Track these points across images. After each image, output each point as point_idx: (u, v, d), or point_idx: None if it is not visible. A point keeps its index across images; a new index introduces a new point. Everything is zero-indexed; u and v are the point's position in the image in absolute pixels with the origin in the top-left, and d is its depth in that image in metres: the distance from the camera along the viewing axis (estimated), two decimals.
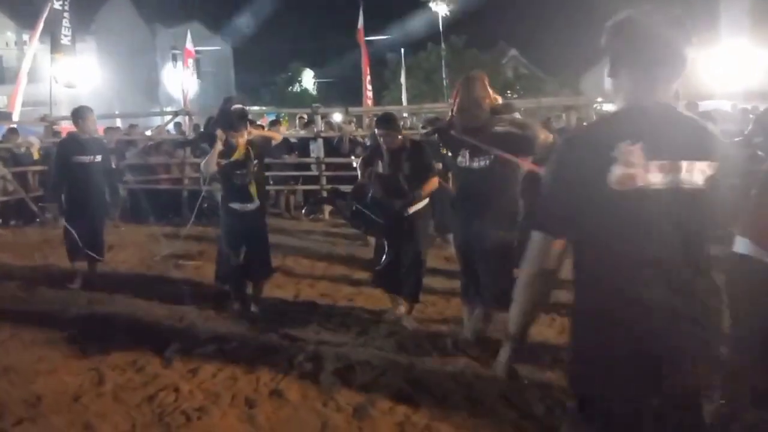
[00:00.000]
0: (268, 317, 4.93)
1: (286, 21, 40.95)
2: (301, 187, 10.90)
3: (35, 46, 13.61)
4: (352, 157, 9.82)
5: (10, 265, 6.86)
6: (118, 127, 12.69)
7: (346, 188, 5.91)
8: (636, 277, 1.55)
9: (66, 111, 10.18)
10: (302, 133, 11.38)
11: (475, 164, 3.79)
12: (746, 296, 2.91)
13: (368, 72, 15.84)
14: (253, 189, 4.97)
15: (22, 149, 10.54)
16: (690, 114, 1.68)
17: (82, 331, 4.55)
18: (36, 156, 10.62)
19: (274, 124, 11.60)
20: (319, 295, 5.64)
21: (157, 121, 16.12)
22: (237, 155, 4.88)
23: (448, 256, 6.75)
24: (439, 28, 28.92)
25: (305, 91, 37.51)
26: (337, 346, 4.16)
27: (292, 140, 10.77)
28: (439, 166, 6.83)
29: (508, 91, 28.26)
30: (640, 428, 1.57)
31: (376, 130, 4.66)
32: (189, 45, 16.18)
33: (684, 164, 1.56)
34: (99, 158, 6.04)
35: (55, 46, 12.56)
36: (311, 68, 38.95)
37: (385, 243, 4.63)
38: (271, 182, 10.20)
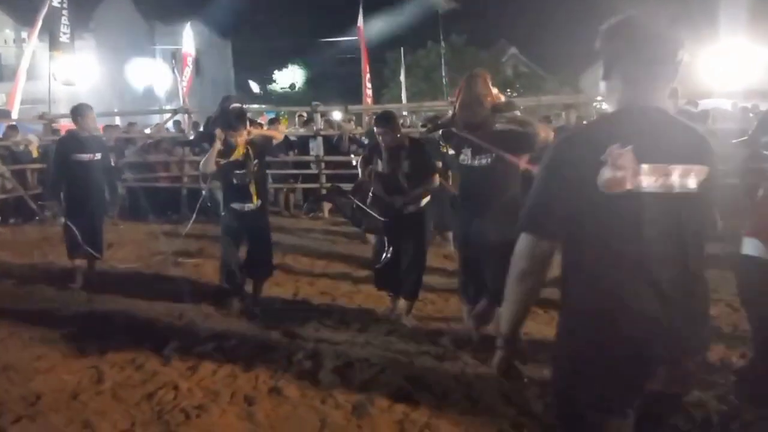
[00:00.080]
0: (267, 315, 4.93)
1: (286, 19, 40.84)
2: (300, 185, 10.89)
3: (34, 44, 13.57)
4: (352, 156, 9.82)
5: (9, 263, 6.86)
6: (117, 125, 12.66)
7: (347, 186, 5.90)
8: (623, 281, 1.56)
9: (65, 109, 10.17)
10: (302, 131, 11.37)
11: (477, 162, 3.81)
12: (762, 298, 2.92)
13: (368, 70, 15.82)
14: (253, 189, 4.97)
15: (21, 147, 10.53)
16: (682, 118, 1.68)
17: (81, 329, 4.55)
18: (35, 154, 10.62)
19: (273, 122, 11.59)
20: (318, 293, 5.65)
21: (156, 119, 16.09)
22: (236, 155, 4.87)
23: (447, 254, 6.77)
24: (438, 26, 28.90)
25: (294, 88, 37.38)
26: (336, 343, 4.16)
27: (292, 138, 10.77)
28: (439, 164, 6.85)
29: (508, 90, 28.22)
30: (622, 425, 1.59)
31: (374, 129, 4.66)
32: (188, 43, 16.14)
33: (675, 168, 1.56)
34: (98, 156, 6.03)
35: (54, 44, 12.53)
36: (310, 66, 38.90)
37: (385, 241, 4.63)
38: (271, 180, 10.19)
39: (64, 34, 12.66)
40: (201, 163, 5.06)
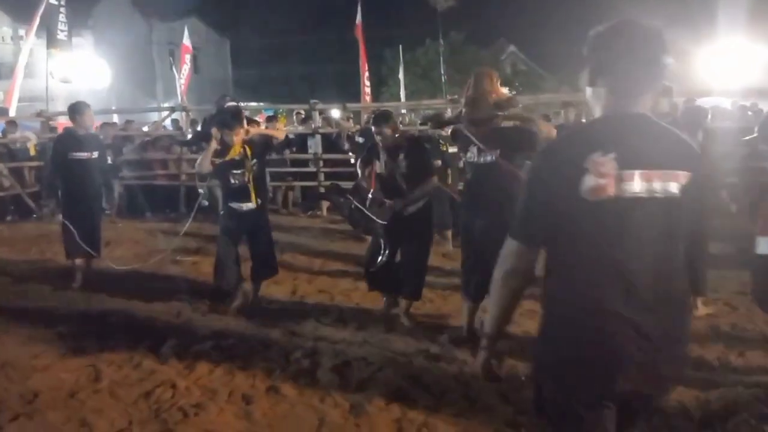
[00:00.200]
0: (265, 313, 4.92)
1: (284, 16, 40.81)
2: (298, 183, 10.88)
3: (31, 41, 13.55)
4: (350, 153, 9.81)
5: (7, 261, 6.85)
6: (115, 123, 12.62)
7: (346, 184, 5.89)
8: (604, 284, 1.59)
9: (62, 106, 10.14)
10: (300, 129, 11.35)
11: (482, 159, 3.89)
12: None
13: (366, 68, 15.80)
14: (252, 188, 4.95)
15: (18, 144, 10.51)
16: (666, 124, 1.71)
17: (78, 327, 4.54)
18: (32, 152, 10.59)
19: (271, 120, 11.57)
20: (316, 291, 5.64)
21: (155, 116, 16.06)
22: (232, 154, 4.86)
23: (445, 252, 6.76)
24: (437, 24, 28.87)
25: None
26: (334, 342, 4.16)
27: (290, 136, 10.75)
28: (439, 162, 6.86)
29: (507, 88, 28.15)
30: (600, 418, 1.63)
31: (372, 129, 4.65)
32: (186, 40, 16.10)
33: (658, 174, 1.58)
34: (96, 154, 6.01)
35: (52, 41, 12.49)
36: (308, 63, 38.84)
37: (382, 243, 4.59)
38: (269, 179, 10.18)
39: (62, 31, 12.62)
40: (197, 163, 5.05)
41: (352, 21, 15.93)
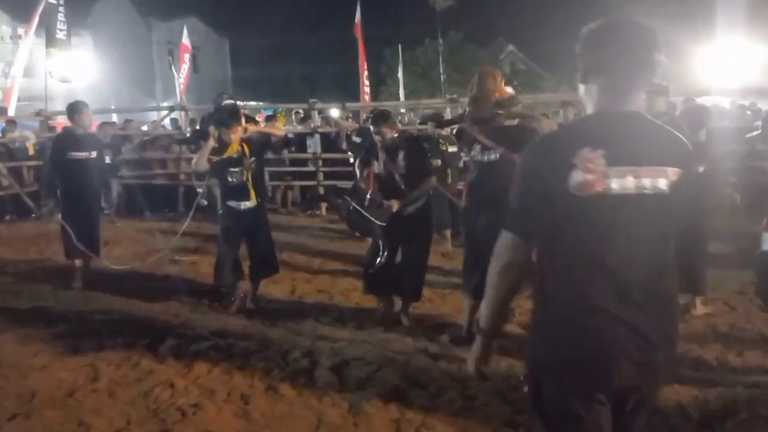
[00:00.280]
0: (264, 313, 4.92)
1: (284, 16, 40.80)
2: (297, 183, 10.88)
3: (30, 40, 13.53)
4: (349, 153, 9.81)
5: (5, 260, 6.84)
6: (114, 122, 12.61)
7: (344, 184, 5.88)
8: (593, 279, 1.60)
9: (61, 106, 10.14)
10: (299, 128, 11.35)
11: (486, 157, 3.95)
12: None
13: (365, 67, 15.79)
14: (250, 186, 4.94)
15: (17, 143, 10.50)
16: (659, 122, 1.72)
17: (76, 327, 4.53)
18: (31, 151, 10.58)
19: (270, 119, 11.57)
20: (315, 290, 5.64)
21: (154, 116, 16.04)
22: (230, 152, 4.85)
23: (444, 252, 6.76)
24: (436, 23, 28.86)
25: None
26: (332, 342, 4.15)
27: (289, 135, 10.75)
28: (438, 162, 6.86)
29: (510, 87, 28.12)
30: (594, 413, 1.63)
31: (371, 128, 4.64)
32: (185, 39, 16.09)
33: (647, 170, 1.60)
34: (94, 154, 6.00)
35: (51, 41, 12.48)
36: (307, 63, 38.82)
37: (381, 244, 4.58)
38: (268, 178, 10.18)
39: (61, 30, 12.62)
40: (193, 161, 5.04)
41: (351, 20, 15.92)
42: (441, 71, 27.10)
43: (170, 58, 22.81)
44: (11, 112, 12.55)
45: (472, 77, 4.12)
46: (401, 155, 4.50)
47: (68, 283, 5.83)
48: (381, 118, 4.60)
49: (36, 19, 12.81)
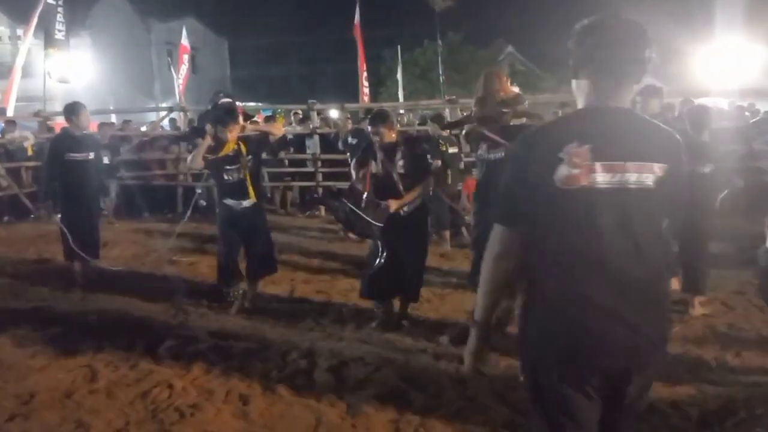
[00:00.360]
0: (262, 313, 4.92)
1: (283, 16, 40.82)
2: (296, 184, 10.87)
3: (29, 41, 13.51)
4: (348, 154, 9.80)
5: (4, 261, 6.83)
6: (112, 123, 12.60)
7: (344, 185, 5.87)
8: (580, 272, 1.63)
9: (60, 106, 10.09)
10: (298, 129, 11.35)
11: (492, 156, 4.03)
12: None
13: (365, 68, 15.78)
14: (248, 184, 4.93)
15: (16, 144, 10.49)
16: (648, 118, 1.74)
17: (75, 328, 4.53)
18: (30, 152, 10.57)
19: (270, 120, 11.56)
20: (314, 291, 5.63)
21: (152, 116, 16.04)
22: (226, 150, 4.84)
23: (443, 252, 6.76)
24: (435, 24, 28.84)
25: None
26: (331, 342, 4.16)
27: (288, 136, 10.75)
28: (438, 162, 6.85)
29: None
30: (584, 404, 1.67)
31: (369, 128, 4.63)
32: (184, 40, 16.09)
33: (633, 165, 1.62)
34: (93, 155, 5.99)
35: (49, 41, 12.46)
36: (306, 63, 38.83)
37: (379, 245, 4.57)
38: (267, 179, 10.18)
39: (60, 31, 12.60)
40: (189, 158, 5.03)
41: (350, 21, 15.92)
42: (440, 72, 27.06)
43: (169, 58, 22.81)
44: (10, 113, 12.55)
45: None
46: (400, 155, 4.49)
47: (67, 284, 5.82)
48: (379, 118, 4.58)
49: (35, 20, 12.79)
